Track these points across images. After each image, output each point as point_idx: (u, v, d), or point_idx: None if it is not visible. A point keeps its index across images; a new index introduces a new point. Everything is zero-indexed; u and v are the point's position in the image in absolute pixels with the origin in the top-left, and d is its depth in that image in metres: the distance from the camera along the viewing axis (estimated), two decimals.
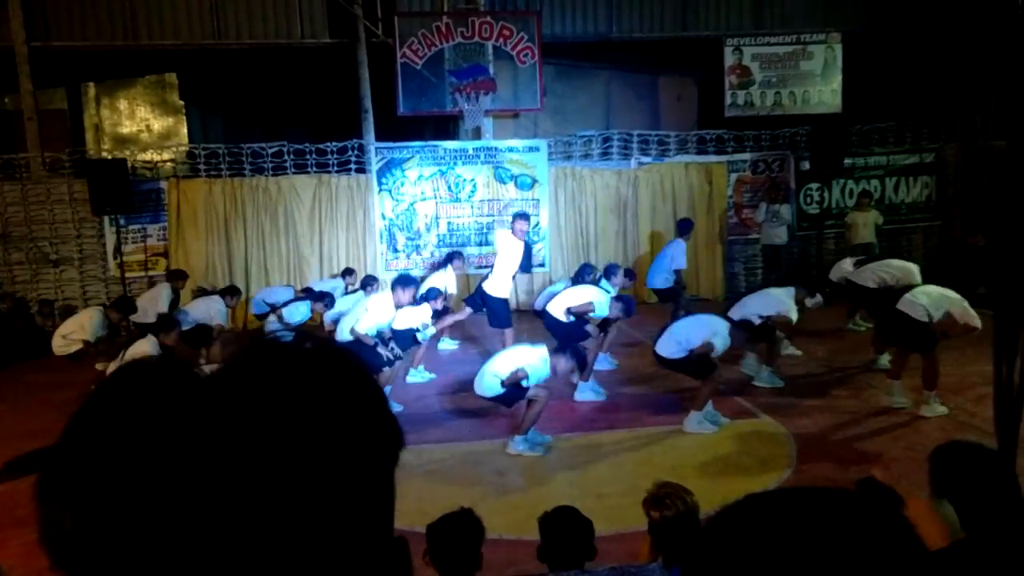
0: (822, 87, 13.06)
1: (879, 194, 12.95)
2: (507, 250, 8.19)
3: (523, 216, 8.56)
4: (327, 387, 0.56)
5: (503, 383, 5.95)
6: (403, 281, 7.43)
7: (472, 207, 11.84)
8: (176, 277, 10.11)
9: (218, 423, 0.50)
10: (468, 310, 8.56)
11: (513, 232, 8.25)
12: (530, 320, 9.40)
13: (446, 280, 8.96)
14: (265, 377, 0.55)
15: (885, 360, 7.63)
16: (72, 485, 0.50)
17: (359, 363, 0.61)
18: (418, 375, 8.12)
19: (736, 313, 7.29)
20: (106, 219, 11.19)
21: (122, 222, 11.23)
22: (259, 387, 0.53)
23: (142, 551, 0.48)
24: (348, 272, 10.70)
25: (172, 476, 0.48)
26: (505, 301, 8.29)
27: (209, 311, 8.56)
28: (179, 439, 0.49)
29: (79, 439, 0.52)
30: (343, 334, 7.11)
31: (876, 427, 6.34)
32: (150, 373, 0.55)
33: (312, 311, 9.13)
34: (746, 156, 12.78)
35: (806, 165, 12.61)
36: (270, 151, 11.63)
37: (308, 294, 9.63)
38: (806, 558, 0.59)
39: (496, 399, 6.14)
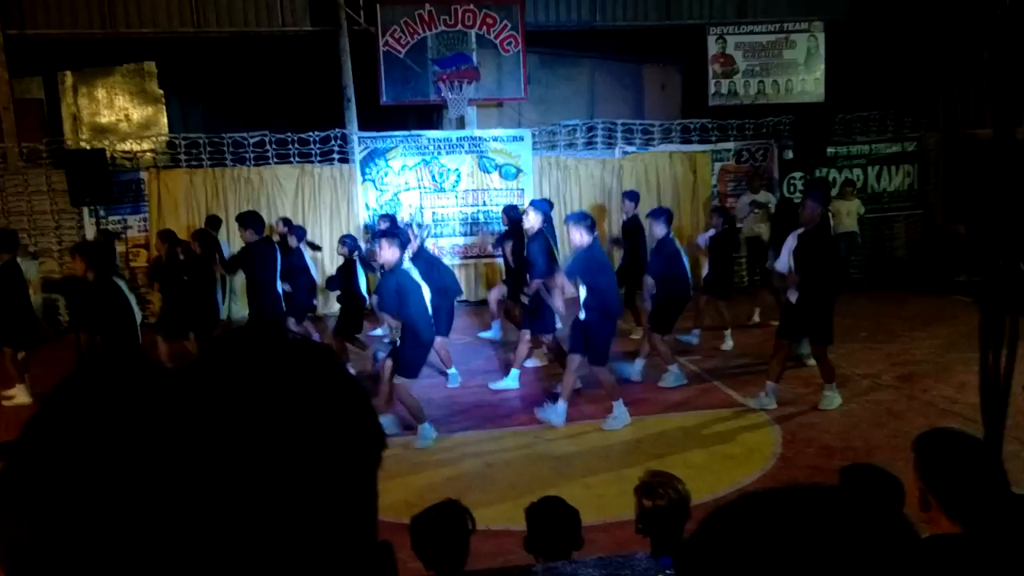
0: (805, 76, 13.10)
1: (862, 183, 13.01)
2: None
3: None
4: (305, 385, 0.53)
5: None
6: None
7: (456, 197, 11.79)
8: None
9: (187, 424, 0.47)
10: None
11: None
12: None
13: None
14: (238, 375, 0.52)
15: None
16: (28, 495, 0.47)
17: (338, 360, 0.58)
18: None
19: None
20: (85, 210, 11.05)
21: (102, 213, 11.09)
22: (232, 385, 0.50)
23: (104, 563, 0.45)
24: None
25: (136, 482, 0.45)
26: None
27: None
28: (144, 442, 0.46)
29: (36, 444, 0.49)
30: None
31: (860, 415, 6.38)
32: (114, 372, 0.52)
33: None
34: (730, 145, 12.80)
35: (789, 154, 12.65)
36: (252, 141, 11.51)
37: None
38: (800, 561, 0.58)
39: None
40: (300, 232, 9.07)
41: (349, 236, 8.32)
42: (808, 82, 13.11)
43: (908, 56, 13.02)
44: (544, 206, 7.71)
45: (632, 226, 9.00)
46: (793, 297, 6.45)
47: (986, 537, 1.96)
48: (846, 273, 11.97)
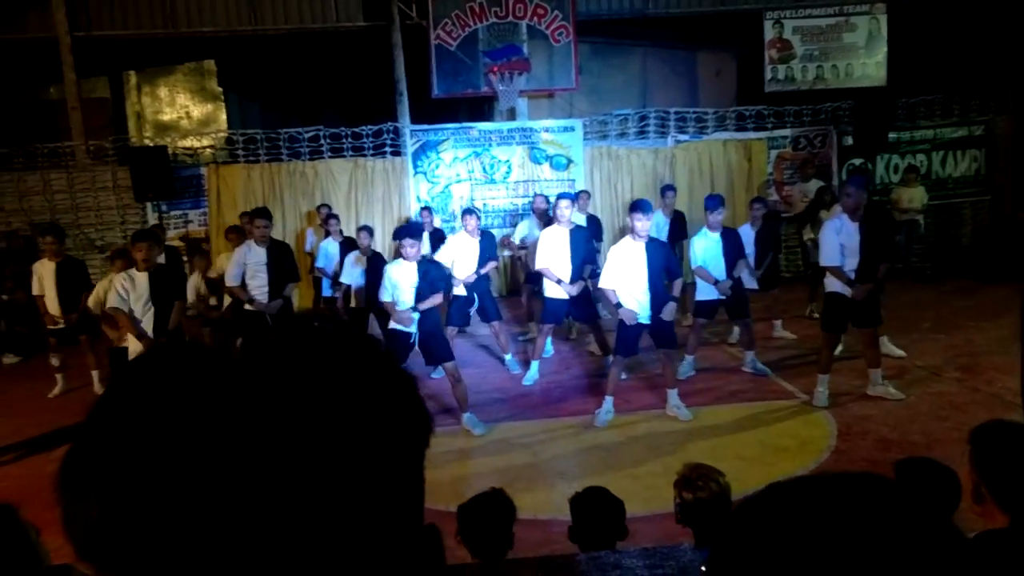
0: (866, 60, 12.71)
1: (926, 169, 12.58)
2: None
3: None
4: (356, 372, 0.55)
5: None
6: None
7: (507, 188, 11.81)
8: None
9: (244, 411, 0.49)
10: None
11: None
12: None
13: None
14: (294, 361, 0.54)
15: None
16: (98, 473, 0.49)
17: (385, 347, 0.60)
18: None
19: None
20: (149, 205, 11.43)
21: (164, 208, 11.46)
22: (287, 372, 0.52)
23: (170, 539, 0.47)
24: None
25: (199, 462, 0.47)
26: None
27: None
28: (205, 424, 0.49)
29: (104, 425, 0.51)
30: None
31: (919, 407, 6.20)
32: (174, 356, 0.54)
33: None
34: (787, 132, 12.50)
35: (849, 140, 12.31)
36: (307, 136, 11.73)
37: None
38: (827, 551, 0.57)
39: None
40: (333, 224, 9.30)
41: (369, 227, 8.38)
42: (869, 66, 12.72)
43: (975, 36, 12.52)
44: (571, 197, 7.73)
45: (679, 219, 9.19)
46: (862, 294, 6.19)
47: None
48: (907, 262, 11.63)
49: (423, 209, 10.03)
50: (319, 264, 9.20)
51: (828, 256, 6.29)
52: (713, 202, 7.13)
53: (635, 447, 5.76)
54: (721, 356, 8.05)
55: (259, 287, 6.90)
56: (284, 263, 7.13)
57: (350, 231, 11.46)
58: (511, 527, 2.95)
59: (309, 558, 0.48)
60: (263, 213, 7.14)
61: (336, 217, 9.47)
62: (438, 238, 8.66)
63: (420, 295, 6.09)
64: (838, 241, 6.20)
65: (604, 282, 6.26)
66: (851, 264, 6.21)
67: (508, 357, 7.94)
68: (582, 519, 3.00)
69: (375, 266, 7.87)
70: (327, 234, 9.27)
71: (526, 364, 7.70)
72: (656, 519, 4.16)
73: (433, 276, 6.23)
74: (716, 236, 7.03)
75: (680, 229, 9.27)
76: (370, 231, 8.26)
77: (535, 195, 9.75)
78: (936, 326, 8.68)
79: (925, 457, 3.01)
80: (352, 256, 8.05)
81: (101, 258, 11.58)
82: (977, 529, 2.07)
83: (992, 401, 6.18)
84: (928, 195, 11.60)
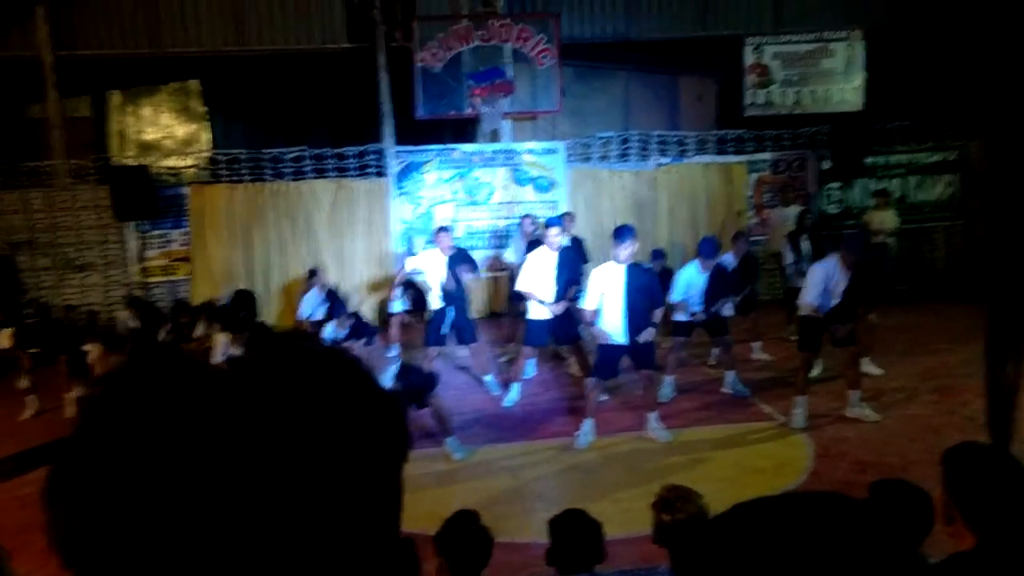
0: (843, 85, 12.92)
1: (900, 194, 12.78)
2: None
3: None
4: (335, 388, 0.56)
5: None
6: None
7: (490, 210, 11.85)
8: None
9: (225, 424, 0.51)
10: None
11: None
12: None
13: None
14: (273, 378, 0.55)
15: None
16: (81, 485, 0.51)
17: (364, 364, 0.62)
18: None
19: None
20: (130, 225, 11.35)
21: (145, 228, 11.39)
22: (267, 388, 0.54)
23: (151, 550, 0.48)
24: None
25: (179, 475, 0.49)
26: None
27: None
28: (186, 439, 0.50)
29: (88, 438, 0.52)
30: None
31: (895, 429, 6.26)
32: (157, 371, 0.56)
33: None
34: (766, 156, 12.68)
35: (827, 164, 12.49)
36: (290, 156, 11.72)
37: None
38: (786, 569, 0.59)
39: None
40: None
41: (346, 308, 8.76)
42: (847, 91, 12.93)
43: (949, 63, 12.75)
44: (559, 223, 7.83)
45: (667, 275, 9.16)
46: (843, 333, 6.36)
47: (998, 551, 1.92)
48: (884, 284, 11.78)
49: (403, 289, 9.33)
50: (303, 315, 8.93)
51: (809, 295, 6.46)
52: (709, 248, 7.23)
53: (614, 469, 5.77)
54: (701, 377, 8.09)
55: None
56: None
57: (333, 256, 11.40)
58: (484, 546, 2.94)
59: (288, 567, 0.50)
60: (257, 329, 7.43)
61: (316, 272, 9.18)
62: (420, 299, 8.54)
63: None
64: (823, 286, 6.39)
65: (583, 303, 6.34)
66: (832, 302, 6.42)
67: (488, 378, 7.95)
68: (560, 542, 3.00)
69: (357, 331, 8.17)
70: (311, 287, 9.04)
71: (506, 385, 7.71)
72: (634, 541, 4.16)
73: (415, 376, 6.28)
74: (705, 275, 7.18)
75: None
76: (344, 306, 8.62)
77: (523, 216, 9.75)
78: (911, 348, 8.78)
79: (900, 479, 3.05)
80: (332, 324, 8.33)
81: (80, 277, 11.50)
82: (948, 551, 2.11)
83: (967, 423, 6.24)
84: (899, 218, 11.76)
